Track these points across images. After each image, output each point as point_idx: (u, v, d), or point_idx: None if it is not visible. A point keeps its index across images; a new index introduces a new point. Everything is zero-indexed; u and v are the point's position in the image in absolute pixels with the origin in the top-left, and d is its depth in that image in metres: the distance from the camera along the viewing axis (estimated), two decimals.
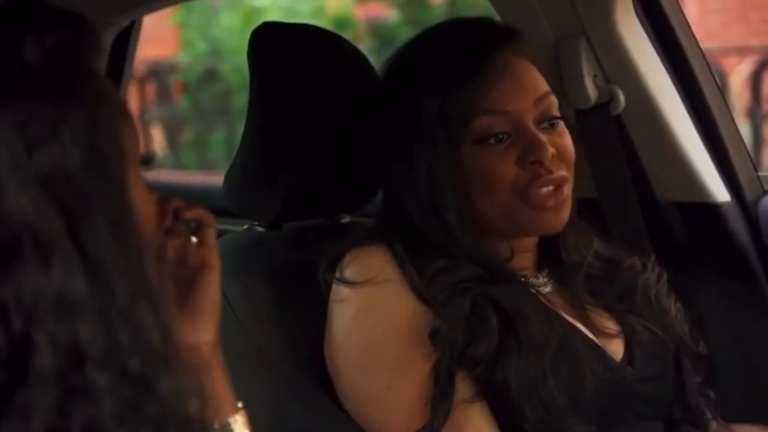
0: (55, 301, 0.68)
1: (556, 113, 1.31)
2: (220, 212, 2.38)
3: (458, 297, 1.22)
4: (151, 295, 0.72)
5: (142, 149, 0.80)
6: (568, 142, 1.31)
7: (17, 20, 0.74)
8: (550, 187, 1.27)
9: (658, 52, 1.62)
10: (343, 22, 6.64)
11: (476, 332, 1.20)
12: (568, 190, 1.29)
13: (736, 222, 1.62)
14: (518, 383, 1.18)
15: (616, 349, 1.30)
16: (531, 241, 1.34)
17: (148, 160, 0.81)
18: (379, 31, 6.80)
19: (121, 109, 0.77)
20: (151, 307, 0.72)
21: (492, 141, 1.27)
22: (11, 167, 0.68)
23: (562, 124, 1.32)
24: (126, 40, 2.14)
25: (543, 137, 1.27)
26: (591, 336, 1.28)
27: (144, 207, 0.79)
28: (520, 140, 1.27)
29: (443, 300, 1.22)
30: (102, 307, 0.69)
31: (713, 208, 1.62)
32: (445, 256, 1.26)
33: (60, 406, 0.67)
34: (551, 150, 1.26)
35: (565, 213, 1.29)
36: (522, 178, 1.26)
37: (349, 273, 1.27)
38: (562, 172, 1.28)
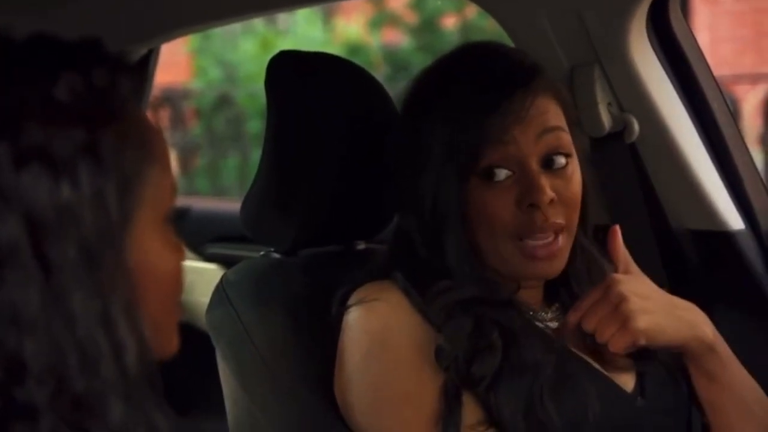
0: (3, 311, 0.69)
1: (565, 150, 1.29)
2: (235, 238, 2.41)
3: (460, 315, 1.23)
4: (112, 331, 0.72)
5: (172, 201, 0.80)
6: (573, 186, 1.29)
7: (61, 56, 0.76)
8: (545, 235, 1.26)
9: (671, 81, 1.62)
10: (356, 48, 6.68)
11: (479, 348, 1.21)
12: (563, 240, 1.28)
13: (750, 250, 1.62)
14: (512, 407, 1.19)
15: (627, 381, 1.31)
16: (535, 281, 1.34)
17: (178, 215, 0.81)
18: (392, 57, 6.83)
19: (151, 155, 0.78)
20: (110, 342, 0.72)
21: (494, 178, 1.26)
22: None
23: (572, 167, 1.29)
24: (144, 68, 2.16)
25: (544, 180, 1.25)
26: (598, 367, 1.29)
27: (159, 259, 0.79)
28: (521, 181, 1.26)
29: (445, 318, 1.23)
30: (54, 327, 0.70)
31: (727, 236, 1.62)
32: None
33: (2, 421, 0.68)
34: (550, 194, 1.25)
35: (558, 262, 1.29)
36: (518, 222, 1.26)
37: (356, 310, 1.27)
38: (559, 220, 1.26)
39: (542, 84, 1.29)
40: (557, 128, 1.29)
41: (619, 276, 1.26)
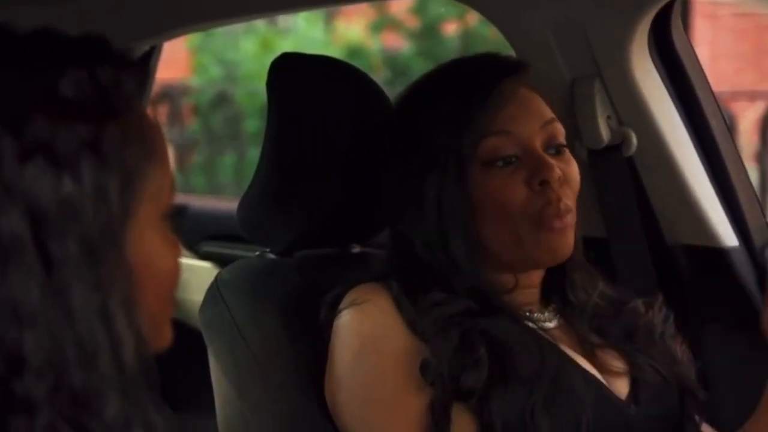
0: (4, 305, 0.69)
1: (563, 140, 1.32)
2: (230, 237, 2.41)
3: (448, 329, 1.23)
4: (111, 326, 0.73)
5: (171, 198, 0.81)
6: (574, 169, 1.32)
7: (67, 52, 0.76)
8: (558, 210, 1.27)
9: (671, 96, 1.63)
10: (356, 50, 6.68)
11: (465, 363, 1.21)
12: (572, 218, 1.29)
13: (744, 267, 1.63)
14: (506, 419, 1.19)
15: (621, 387, 1.31)
16: (536, 276, 1.34)
17: (176, 213, 0.82)
18: (392, 61, 6.83)
19: (152, 152, 0.79)
20: (108, 336, 0.72)
21: (500, 163, 1.28)
22: None
23: (568, 153, 1.33)
24: (146, 65, 2.17)
25: (551, 159, 1.28)
26: (594, 372, 1.29)
27: (157, 255, 0.80)
28: (528, 162, 1.28)
29: (434, 332, 1.23)
30: (54, 321, 0.70)
31: (721, 253, 1.63)
32: (443, 291, 1.27)
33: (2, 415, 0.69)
34: (558, 172, 1.27)
35: (571, 237, 1.29)
36: (531, 201, 1.27)
37: (348, 312, 1.28)
38: (568, 201, 1.28)
39: (528, 78, 1.34)
40: (555, 120, 1.32)
41: None
